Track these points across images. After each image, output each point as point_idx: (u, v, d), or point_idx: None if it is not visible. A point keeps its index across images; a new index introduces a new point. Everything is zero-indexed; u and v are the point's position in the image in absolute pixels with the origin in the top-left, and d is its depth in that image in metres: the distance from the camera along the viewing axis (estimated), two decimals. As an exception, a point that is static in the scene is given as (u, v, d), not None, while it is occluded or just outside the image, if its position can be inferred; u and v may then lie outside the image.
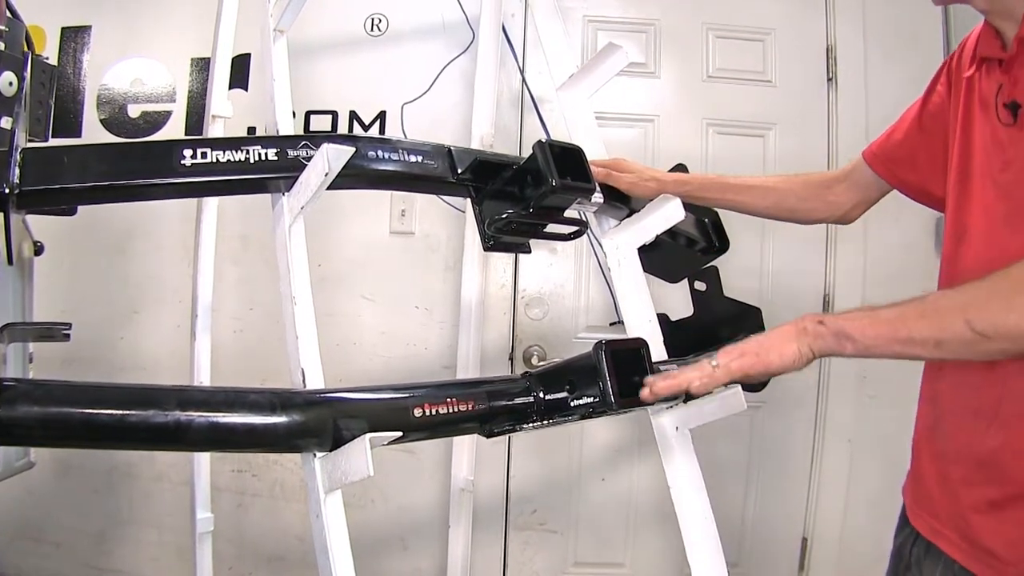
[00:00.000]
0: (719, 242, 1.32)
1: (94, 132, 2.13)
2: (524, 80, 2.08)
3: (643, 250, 1.17)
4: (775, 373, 0.88)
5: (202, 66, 2.13)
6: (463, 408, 0.83)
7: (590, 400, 0.86)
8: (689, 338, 1.25)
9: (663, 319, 1.21)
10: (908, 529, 1.03)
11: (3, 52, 0.77)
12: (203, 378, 1.60)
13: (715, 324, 1.32)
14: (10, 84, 0.75)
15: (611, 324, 2.04)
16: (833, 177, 1.22)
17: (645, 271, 1.16)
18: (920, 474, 1.00)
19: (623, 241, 1.16)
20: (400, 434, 0.77)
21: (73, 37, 2.16)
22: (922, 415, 1.03)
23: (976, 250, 0.92)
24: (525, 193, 0.97)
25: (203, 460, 1.63)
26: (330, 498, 0.77)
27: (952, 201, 0.98)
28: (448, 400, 0.82)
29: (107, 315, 2.11)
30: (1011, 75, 0.88)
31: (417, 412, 0.79)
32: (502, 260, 2.07)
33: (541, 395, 0.89)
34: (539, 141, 0.96)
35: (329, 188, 0.84)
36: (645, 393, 0.88)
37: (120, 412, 0.64)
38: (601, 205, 1.12)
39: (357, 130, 2.10)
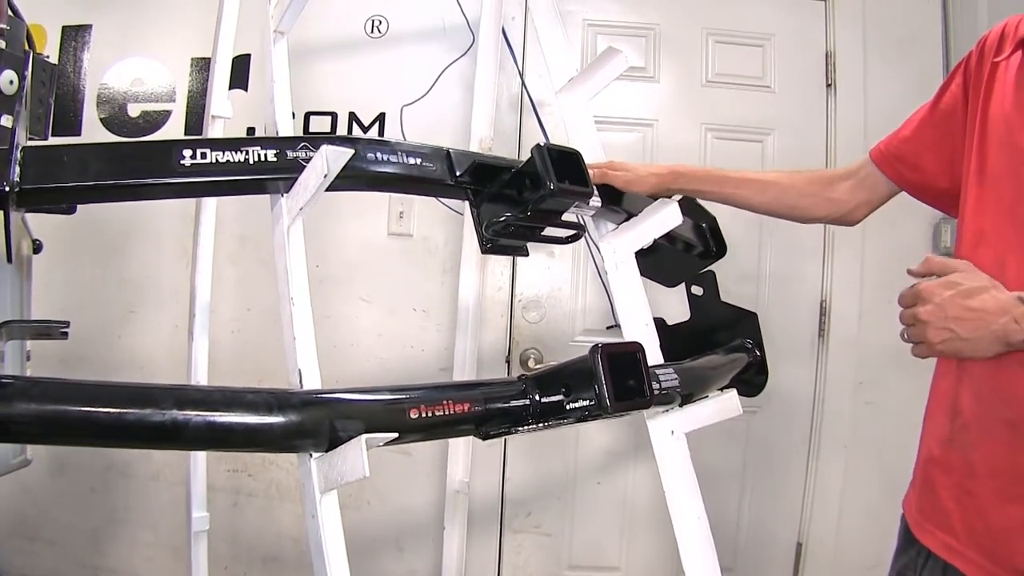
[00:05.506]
0: (716, 247, 1.32)
1: (94, 131, 2.13)
2: (523, 83, 2.09)
3: (640, 254, 1.17)
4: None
5: (202, 66, 2.13)
6: (459, 410, 0.82)
7: (586, 403, 0.86)
8: (686, 343, 1.25)
9: (660, 323, 1.21)
10: (914, 550, 0.96)
11: (4, 51, 0.77)
12: (200, 378, 1.59)
13: (712, 329, 1.32)
14: (11, 82, 0.75)
15: (608, 328, 2.04)
16: (837, 174, 1.18)
17: (642, 275, 1.16)
18: (931, 487, 0.95)
19: (620, 245, 1.16)
20: (396, 435, 0.77)
21: (74, 36, 2.17)
22: (934, 426, 0.97)
23: (995, 254, 0.88)
24: (523, 196, 0.97)
25: (199, 460, 1.63)
26: (326, 499, 0.77)
27: (970, 202, 0.94)
28: (444, 402, 0.82)
29: (105, 314, 2.11)
30: None
31: (413, 414, 0.79)
32: (499, 263, 2.08)
33: (537, 398, 0.89)
34: (537, 144, 0.96)
35: (328, 189, 0.84)
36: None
37: (117, 410, 0.64)
38: (599, 209, 1.13)
39: (356, 132, 2.10)
